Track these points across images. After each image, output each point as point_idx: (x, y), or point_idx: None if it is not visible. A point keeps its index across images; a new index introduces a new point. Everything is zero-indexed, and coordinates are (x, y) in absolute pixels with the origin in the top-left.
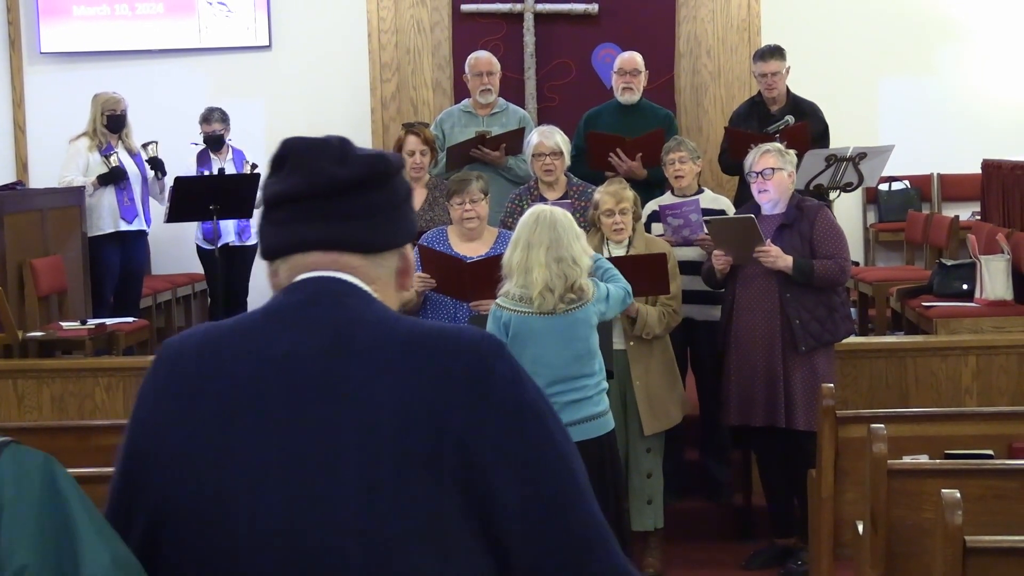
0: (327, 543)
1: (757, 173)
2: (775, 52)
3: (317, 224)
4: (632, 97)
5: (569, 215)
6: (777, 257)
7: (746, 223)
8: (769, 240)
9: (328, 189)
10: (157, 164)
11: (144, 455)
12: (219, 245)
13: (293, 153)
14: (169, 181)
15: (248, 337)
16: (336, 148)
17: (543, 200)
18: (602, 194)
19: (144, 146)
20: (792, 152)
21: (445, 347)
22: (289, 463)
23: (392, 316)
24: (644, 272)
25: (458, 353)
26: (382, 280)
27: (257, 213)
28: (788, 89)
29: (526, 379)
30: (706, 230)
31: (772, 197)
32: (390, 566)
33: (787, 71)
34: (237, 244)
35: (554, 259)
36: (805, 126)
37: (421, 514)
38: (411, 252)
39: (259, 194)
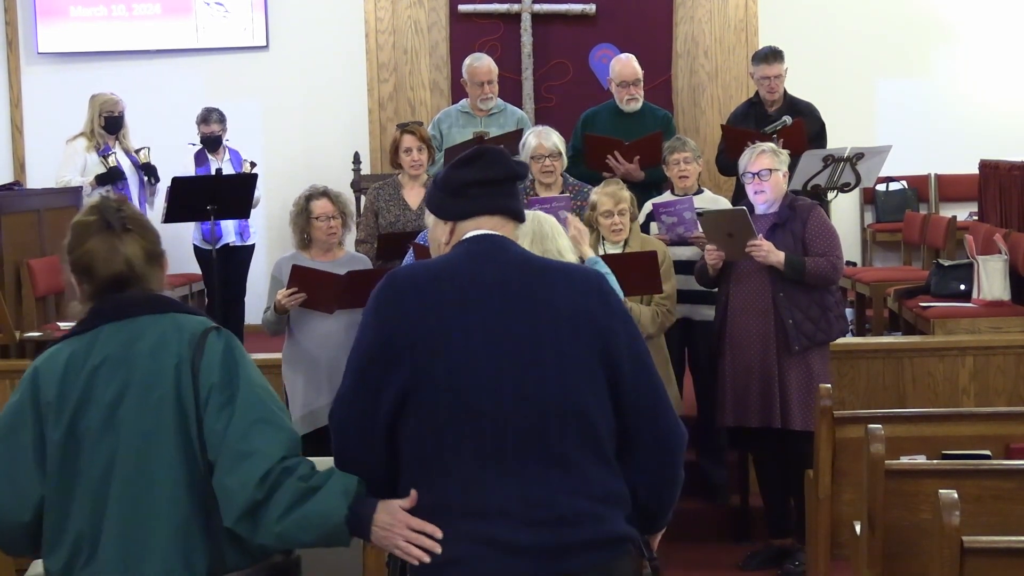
0: (539, 393)
1: (753, 174)
2: (777, 55)
3: (503, 199)
4: (636, 106)
5: (553, 218)
6: (769, 252)
7: (738, 215)
8: (760, 236)
9: (512, 177)
10: (150, 170)
11: (395, 343)
12: (219, 245)
13: (487, 153)
14: (165, 182)
15: (464, 268)
16: (508, 152)
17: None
18: (600, 195)
19: (137, 151)
20: (785, 152)
21: (580, 273)
22: (511, 344)
23: (540, 257)
24: (635, 270)
25: (589, 277)
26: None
27: (254, 209)
28: (785, 90)
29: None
30: (698, 230)
31: (768, 198)
32: (575, 405)
33: (785, 72)
34: (237, 244)
35: (539, 251)
36: (801, 124)
37: (586, 371)
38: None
39: (443, 177)
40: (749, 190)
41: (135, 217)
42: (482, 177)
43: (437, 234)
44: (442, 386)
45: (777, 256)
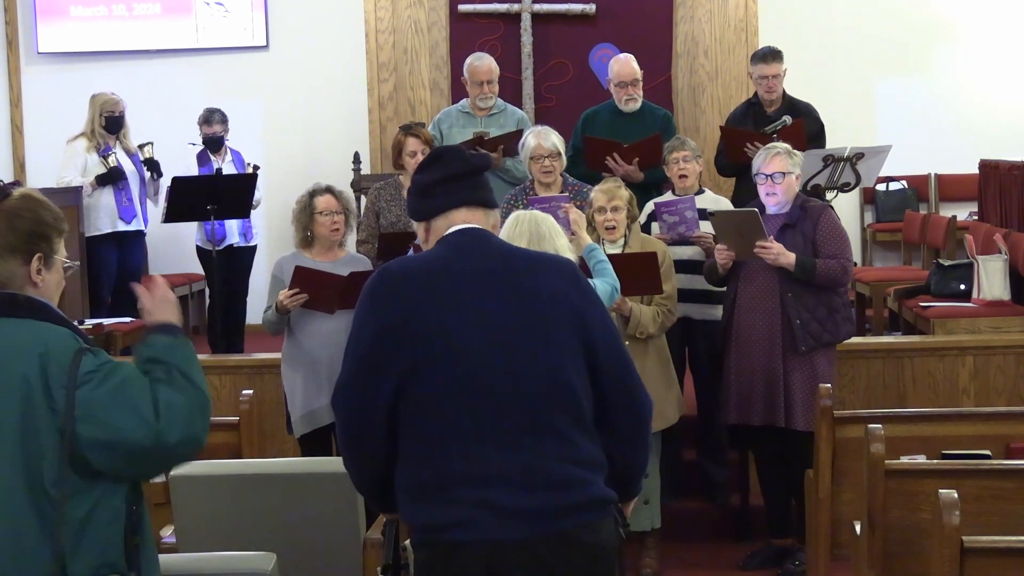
0: (529, 370)
1: (767, 176)
2: (776, 55)
3: (467, 191)
4: (635, 106)
5: (551, 218)
6: (779, 254)
7: (750, 216)
8: (771, 237)
9: (472, 170)
10: (153, 165)
11: (396, 330)
12: (223, 246)
13: (445, 153)
14: (166, 181)
15: (452, 259)
16: (465, 150)
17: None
18: (596, 192)
19: (140, 147)
20: (799, 154)
21: (556, 262)
22: (502, 327)
23: (520, 247)
24: (635, 271)
25: (564, 265)
26: (490, 228)
27: (254, 210)
28: (784, 90)
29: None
30: (700, 230)
31: (780, 200)
32: (560, 380)
33: (784, 72)
34: (241, 244)
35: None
36: (801, 124)
37: (568, 350)
38: (498, 214)
39: (412, 183)
40: (761, 191)
41: (4, 211)
42: (443, 175)
43: (420, 235)
44: (443, 368)
45: (788, 258)
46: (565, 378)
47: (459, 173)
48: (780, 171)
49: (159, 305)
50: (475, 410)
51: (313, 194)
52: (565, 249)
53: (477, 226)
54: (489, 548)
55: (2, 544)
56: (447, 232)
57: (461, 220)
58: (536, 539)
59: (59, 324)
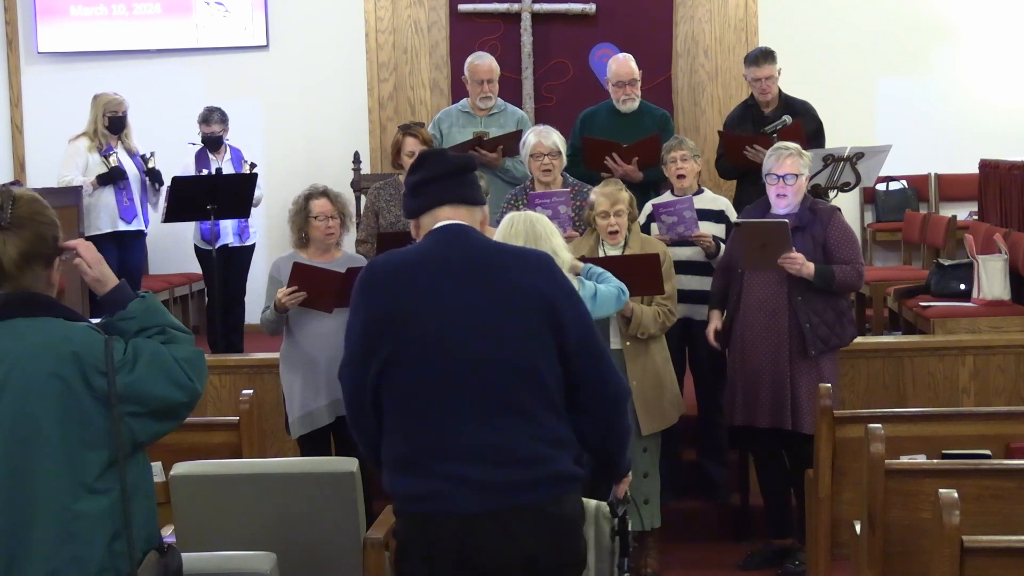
0: (499, 354)
1: (779, 176)
2: (767, 56)
3: (449, 190)
4: (633, 105)
5: (546, 219)
6: (803, 265)
7: (779, 228)
8: (794, 249)
9: (453, 171)
10: (154, 175)
11: (379, 320)
12: (218, 246)
13: (429, 155)
14: (166, 182)
15: (432, 253)
16: (448, 151)
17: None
18: (597, 195)
19: (143, 157)
20: (807, 154)
21: (530, 255)
22: (475, 315)
23: (497, 241)
24: (637, 272)
25: (537, 258)
26: (475, 224)
27: (256, 208)
28: (780, 89)
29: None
30: (698, 229)
31: (790, 202)
32: (527, 363)
33: (779, 72)
34: (236, 245)
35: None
36: (799, 126)
37: (537, 335)
38: (486, 210)
39: (404, 184)
40: (771, 191)
41: (23, 216)
42: (428, 176)
43: (412, 232)
44: (420, 352)
45: (808, 269)
46: (533, 362)
47: (441, 174)
48: (792, 172)
49: (101, 270)
50: (449, 391)
51: (309, 197)
52: (562, 248)
53: (459, 222)
54: (459, 519)
55: (58, 538)
56: (434, 227)
57: (445, 217)
58: (504, 511)
59: (74, 319)
